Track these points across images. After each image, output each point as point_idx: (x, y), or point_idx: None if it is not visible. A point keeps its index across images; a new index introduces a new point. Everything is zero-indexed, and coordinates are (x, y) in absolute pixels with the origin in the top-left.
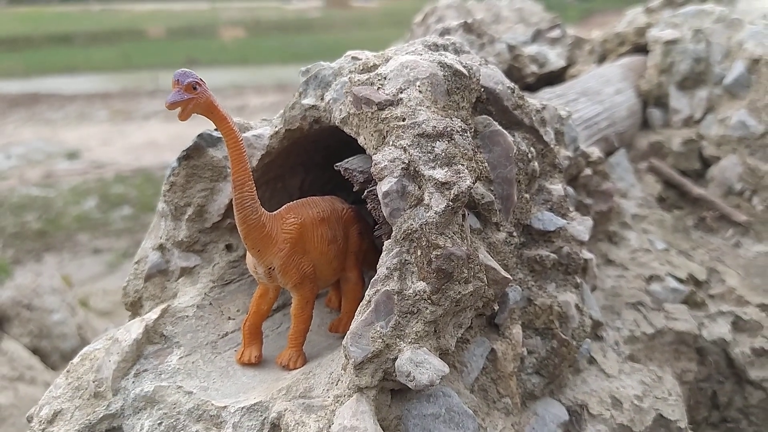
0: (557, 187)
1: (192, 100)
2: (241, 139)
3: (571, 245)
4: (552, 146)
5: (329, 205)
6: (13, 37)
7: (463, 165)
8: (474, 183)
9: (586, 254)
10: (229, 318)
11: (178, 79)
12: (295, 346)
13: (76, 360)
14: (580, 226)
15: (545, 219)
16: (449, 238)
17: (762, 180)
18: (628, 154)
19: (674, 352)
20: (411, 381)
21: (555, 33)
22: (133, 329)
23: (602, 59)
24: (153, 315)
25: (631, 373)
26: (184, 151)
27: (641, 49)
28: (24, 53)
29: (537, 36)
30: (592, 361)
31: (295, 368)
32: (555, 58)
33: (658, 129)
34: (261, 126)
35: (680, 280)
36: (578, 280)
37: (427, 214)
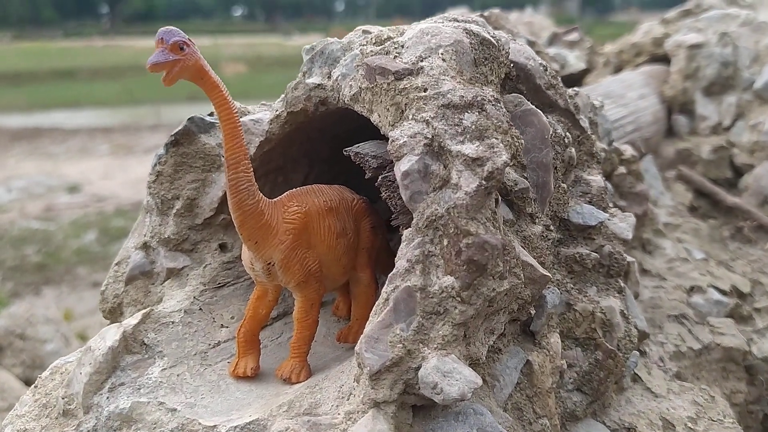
0: (596, 179)
1: (178, 62)
2: (236, 111)
3: (613, 244)
4: (589, 133)
5: (337, 194)
6: (17, 71)
7: (496, 138)
8: (510, 160)
9: (628, 257)
10: (222, 326)
11: (162, 38)
12: (298, 356)
13: (45, 374)
14: (623, 223)
15: (585, 212)
16: (482, 224)
17: None
18: (654, 162)
19: (722, 370)
20: (438, 394)
21: (572, 36)
22: (108, 336)
23: (618, 70)
24: (132, 320)
25: (680, 392)
26: (172, 135)
27: (658, 59)
28: (27, 88)
29: (553, 39)
30: (636, 378)
31: (298, 381)
32: (574, 61)
33: (685, 136)
34: (260, 110)
35: (723, 292)
36: (621, 284)
37: (456, 196)
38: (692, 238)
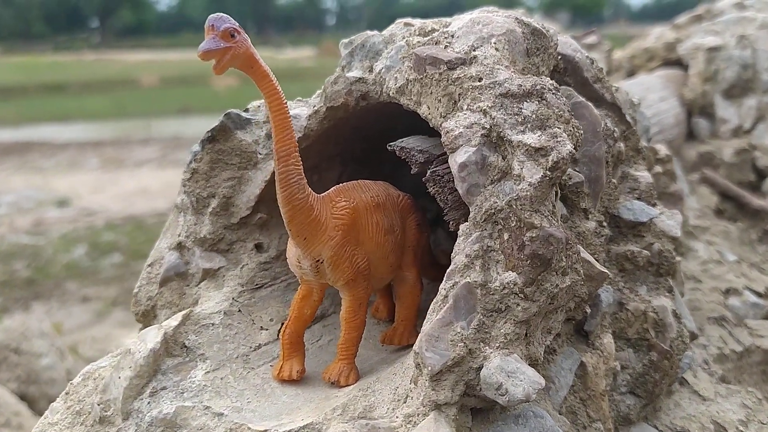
0: (644, 174)
1: (229, 49)
2: (286, 103)
3: (662, 242)
4: (634, 128)
5: (383, 190)
6: (7, 86)
7: (559, 128)
8: (574, 149)
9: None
10: (262, 328)
11: (212, 24)
12: (346, 358)
13: (76, 380)
14: (671, 221)
15: (636, 209)
16: (546, 216)
17: None
18: (678, 164)
19: (762, 373)
20: (502, 395)
21: (591, 39)
22: (149, 338)
23: (631, 75)
24: (173, 321)
25: (728, 395)
26: (208, 132)
27: (671, 64)
28: (17, 102)
29: None
30: (682, 382)
31: (347, 384)
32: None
33: (706, 139)
34: (297, 106)
35: (759, 294)
36: (671, 284)
37: (519, 187)
38: (722, 240)
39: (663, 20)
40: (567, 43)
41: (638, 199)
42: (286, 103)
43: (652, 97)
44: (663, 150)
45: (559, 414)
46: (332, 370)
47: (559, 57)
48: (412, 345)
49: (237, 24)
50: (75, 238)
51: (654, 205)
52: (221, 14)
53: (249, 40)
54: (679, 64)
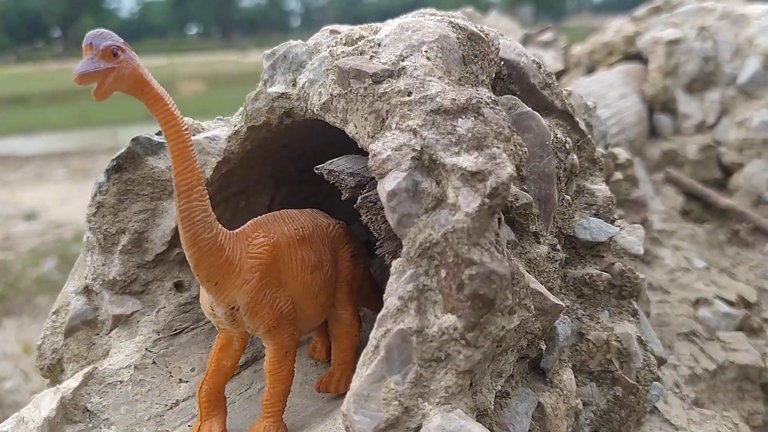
0: (601, 188)
1: (111, 71)
2: (187, 128)
3: (624, 261)
4: (589, 137)
5: (310, 220)
6: None
7: (498, 147)
8: (515, 172)
9: (640, 274)
10: (181, 380)
11: (91, 42)
12: (272, 415)
13: None
14: (632, 236)
15: (593, 227)
16: (486, 250)
17: None
18: (642, 164)
19: (738, 390)
20: None
21: (546, 36)
22: (43, 405)
23: (591, 71)
24: (73, 383)
25: (701, 422)
26: (113, 160)
27: (631, 58)
28: None
29: (527, 40)
30: (653, 410)
31: None
32: (551, 62)
33: (669, 136)
34: (216, 126)
35: (730, 303)
36: (635, 306)
37: (454, 218)
38: (689, 244)
39: (625, 11)
40: (511, 47)
41: (596, 215)
42: (186, 129)
43: (613, 94)
44: (623, 154)
45: None
46: (257, 430)
47: (502, 63)
48: None
49: (121, 41)
50: (44, 252)
51: (613, 221)
52: (102, 30)
53: (137, 59)
54: (639, 57)
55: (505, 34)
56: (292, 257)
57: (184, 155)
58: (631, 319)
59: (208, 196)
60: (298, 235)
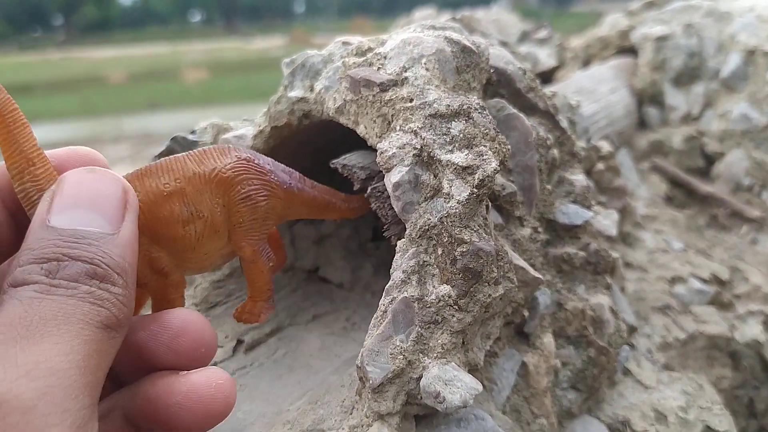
0: (579, 178)
1: None
2: (12, 111)
3: (599, 241)
4: (569, 133)
5: (189, 169)
6: None
7: (485, 146)
8: (500, 166)
9: (613, 253)
10: (218, 345)
11: None
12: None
13: None
14: (606, 221)
15: (570, 212)
16: (475, 231)
17: None
18: (629, 154)
19: (707, 358)
20: (440, 403)
21: (542, 34)
22: None
23: (586, 64)
24: None
25: (669, 383)
26: (155, 157)
27: (626, 51)
28: None
29: (524, 37)
30: (626, 372)
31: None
32: (546, 58)
33: (657, 128)
34: (242, 126)
35: (704, 281)
36: (609, 281)
37: (448, 205)
38: (670, 228)
39: None
40: (500, 56)
41: (574, 202)
42: (12, 111)
43: (603, 89)
44: (606, 147)
45: (503, 413)
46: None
47: (492, 70)
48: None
49: None
50: None
51: (589, 207)
52: None
53: None
54: (634, 51)
55: (507, 28)
56: (158, 214)
57: (10, 140)
58: (605, 291)
59: (49, 172)
60: (166, 189)
